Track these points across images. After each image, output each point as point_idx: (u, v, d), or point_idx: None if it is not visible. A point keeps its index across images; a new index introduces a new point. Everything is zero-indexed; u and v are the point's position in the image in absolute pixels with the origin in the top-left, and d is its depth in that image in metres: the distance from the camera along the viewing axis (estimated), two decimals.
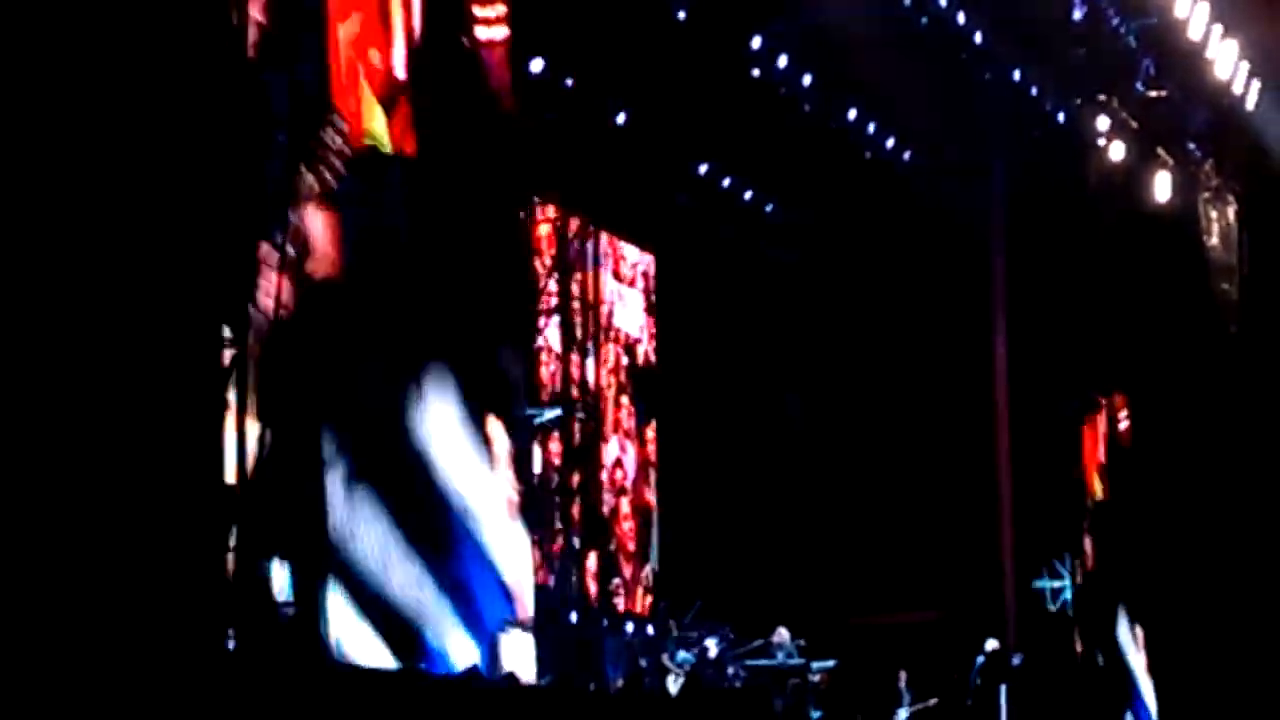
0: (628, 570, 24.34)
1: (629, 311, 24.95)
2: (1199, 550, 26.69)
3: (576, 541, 21.88)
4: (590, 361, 23.39)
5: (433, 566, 15.40)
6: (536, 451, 21.34)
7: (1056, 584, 27.03)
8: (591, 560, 22.93)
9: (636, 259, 25.26)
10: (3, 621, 9.90)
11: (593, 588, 22.79)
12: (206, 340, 12.00)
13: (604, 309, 24.10)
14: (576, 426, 22.13)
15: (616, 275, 24.69)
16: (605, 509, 23.92)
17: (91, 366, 10.51)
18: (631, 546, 24.54)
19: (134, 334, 10.71)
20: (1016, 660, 24.49)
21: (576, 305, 23.13)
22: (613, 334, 24.58)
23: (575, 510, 22.16)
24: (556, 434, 22.07)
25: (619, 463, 24.54)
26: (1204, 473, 27.04)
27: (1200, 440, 27.16)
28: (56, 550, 10.21)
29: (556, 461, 22.25)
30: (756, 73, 23.37)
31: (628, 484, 24.72)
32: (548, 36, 20.08)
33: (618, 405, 24.71)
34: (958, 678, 24.09)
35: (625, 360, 24.93)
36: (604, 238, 24.29)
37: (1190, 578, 26.55)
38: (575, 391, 22.10)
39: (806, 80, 24.02)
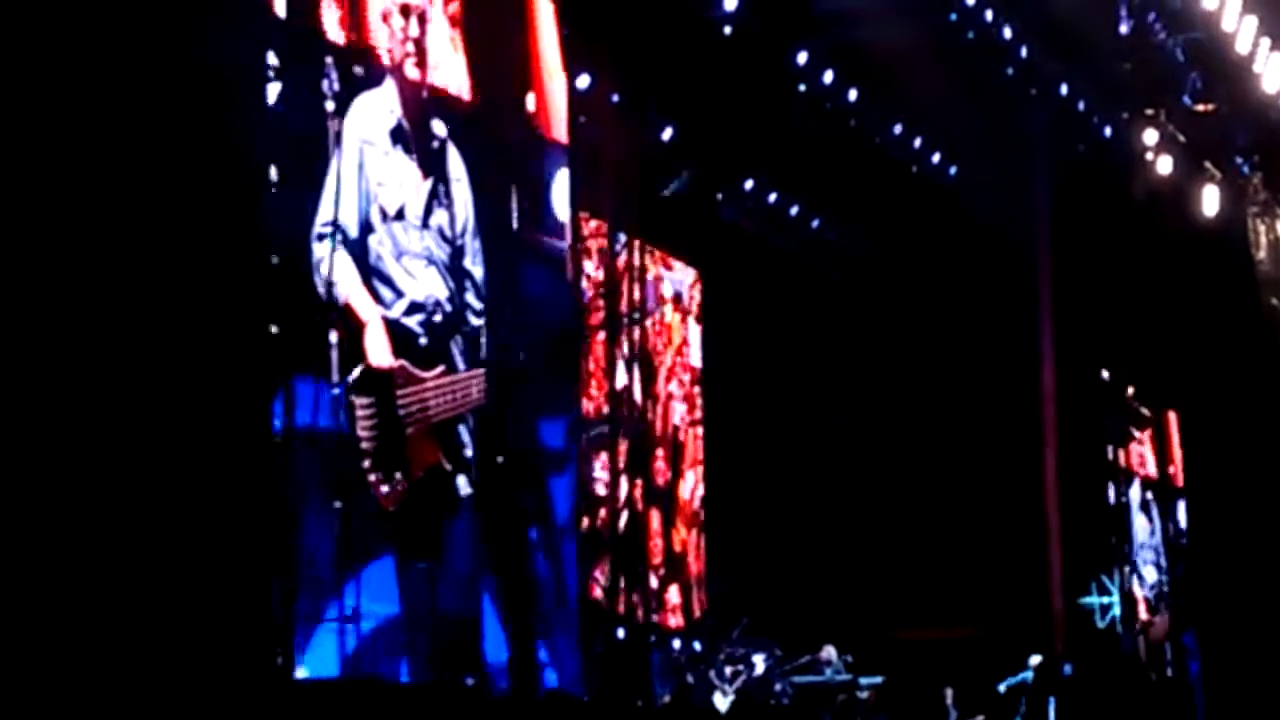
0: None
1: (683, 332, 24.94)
2: (1256, 559, 26.51)
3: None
4: (636, 376, 23.33)
5: None
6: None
7: (1105, 600, 26.91)
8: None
9: (682, 274, 25.25)
10: (44, 636, 9.91)
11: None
12: (254, 355, 11.98)
13: (653, 330, 24.08)
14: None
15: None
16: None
17: (136, 376, 10.50)
18: None
19: (180, 346, 10.71)
20: (1067, 670, 24.35)
21: (624, 321, 23.10)
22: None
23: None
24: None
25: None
26: (1256, 488, 26.87)
27: (1251, 455, 26.99)
28: (98, 563, 10.20)
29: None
30: (802, 88, 23.40)
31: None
32: (594, 52, 20.12)
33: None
34: (1004, 694, 24.00)
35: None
36: (650, 253, 24.29)
37: (1248, 588, 26.35)
38: (624, 408, 22.03)
39: (852, 95, 24.04)
